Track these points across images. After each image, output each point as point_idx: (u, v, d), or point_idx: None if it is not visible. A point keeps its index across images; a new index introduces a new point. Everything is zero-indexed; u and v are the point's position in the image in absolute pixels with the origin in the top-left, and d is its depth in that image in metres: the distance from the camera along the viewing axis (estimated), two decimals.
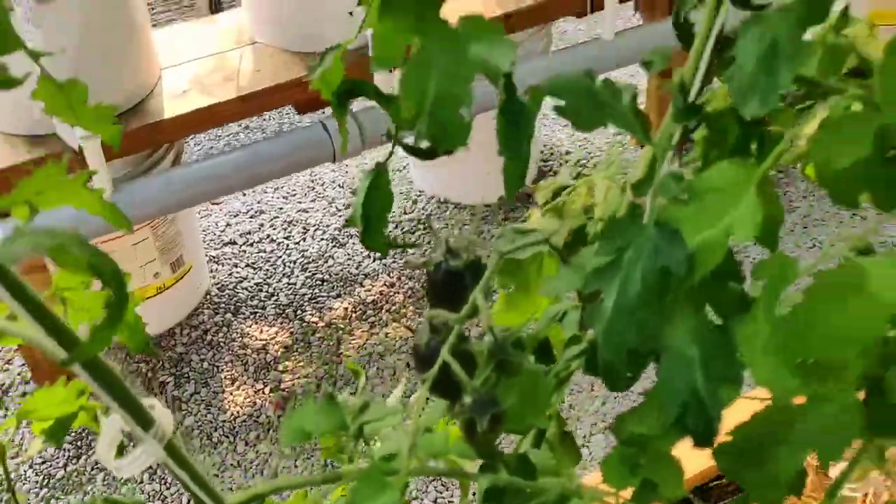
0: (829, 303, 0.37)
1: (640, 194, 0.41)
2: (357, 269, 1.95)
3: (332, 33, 1.56)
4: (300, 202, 2.15)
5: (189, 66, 1.61)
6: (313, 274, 1.95)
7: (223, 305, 1.88)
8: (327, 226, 2.08)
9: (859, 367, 0.38)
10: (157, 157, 1.60)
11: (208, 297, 1.90)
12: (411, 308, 1.84)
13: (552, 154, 2.22)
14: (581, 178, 0.62)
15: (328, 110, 1.65)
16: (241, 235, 2.06)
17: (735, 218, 0.39)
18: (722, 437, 0.41)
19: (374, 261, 1.98)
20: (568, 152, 2.22)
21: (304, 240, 2.04)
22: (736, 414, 0.41)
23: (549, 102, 0.43)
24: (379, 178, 0.51)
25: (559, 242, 0.52)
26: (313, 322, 1.84)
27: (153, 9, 2.36)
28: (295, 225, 2.09)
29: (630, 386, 0.44)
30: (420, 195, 2.15)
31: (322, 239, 2.04)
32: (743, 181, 0.38)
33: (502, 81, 0.42)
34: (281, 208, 2.14)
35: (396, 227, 2.08)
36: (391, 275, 1.94)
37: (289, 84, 1.55)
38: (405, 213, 2.12)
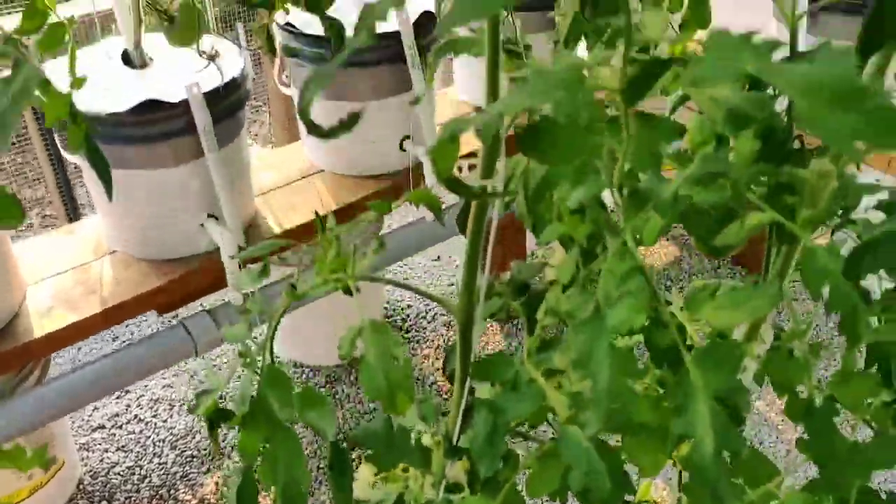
0: None
1: None
2: (223, 441, 2.08)
3: (180, 247, 1.73)
4: (163, 378, 2.27)
5: (52, 281, 1.72)
6: (182, 451, 2.07)
7: (97, 493, 1.97)
8: (191, 399, 2.20)
9: None
10: (24, 372, 1.71)
11: (81, 486, 1.99)
12: None
13: (395, 309, 2.45)
14: None
15: (189, 307, 1.82)
16: (108, 419, 2.16)
17: None
18: None
19: (238, 432, 2.11)
20: (409, 305, 2.45)
21: (171, 416, 2.17)
22: None
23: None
24: (247, 478, 0.70)
25: None
26: (187, 500, 1.95)
27: None
28: (161, 402, 2.21)
29: None
30: (277, 359, 2.32)
31: (188, 414, 2.16)
32: None
33: (329, 442, 0.63)
34: (146, 386, 2.25)
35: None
36: None
37: (149, 293, 1.70)
38: None
